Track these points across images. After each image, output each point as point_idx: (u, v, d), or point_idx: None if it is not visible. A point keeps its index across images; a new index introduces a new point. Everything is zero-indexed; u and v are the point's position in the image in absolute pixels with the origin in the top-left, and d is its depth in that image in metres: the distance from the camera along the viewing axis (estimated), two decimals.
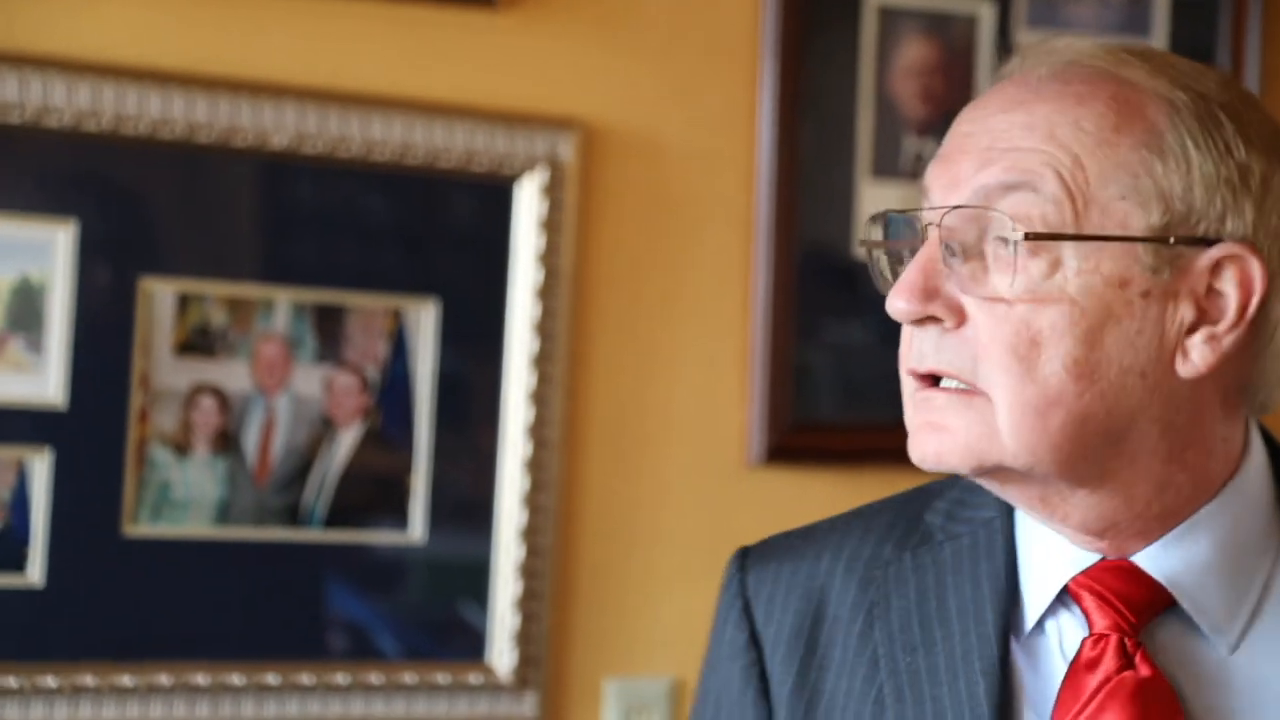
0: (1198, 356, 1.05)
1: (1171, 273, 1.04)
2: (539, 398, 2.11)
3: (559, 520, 2.13)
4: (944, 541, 1.16)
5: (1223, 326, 1.05)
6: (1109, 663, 1.08)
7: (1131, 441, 1.06)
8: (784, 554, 1.23)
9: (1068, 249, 1.04)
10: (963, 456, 1.07)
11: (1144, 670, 1.08)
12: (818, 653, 1.17)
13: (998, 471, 1.08)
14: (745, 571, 1.23)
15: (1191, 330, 1.05)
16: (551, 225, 2.11)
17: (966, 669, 1.11)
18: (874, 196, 2.19)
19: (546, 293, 2.11)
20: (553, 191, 2.11)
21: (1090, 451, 1.06)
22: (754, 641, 1.20)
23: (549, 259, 2.11)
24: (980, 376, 1.06)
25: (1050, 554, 1.13)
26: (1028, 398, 1.04)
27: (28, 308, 1.91)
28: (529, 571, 2.11)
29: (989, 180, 1.06)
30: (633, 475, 2.18)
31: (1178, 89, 1.06)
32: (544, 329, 2.11)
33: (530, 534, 2.11)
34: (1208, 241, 1.05)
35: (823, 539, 1.22)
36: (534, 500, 2.11)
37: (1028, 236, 1.03)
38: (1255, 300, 1.05)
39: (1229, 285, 1.06)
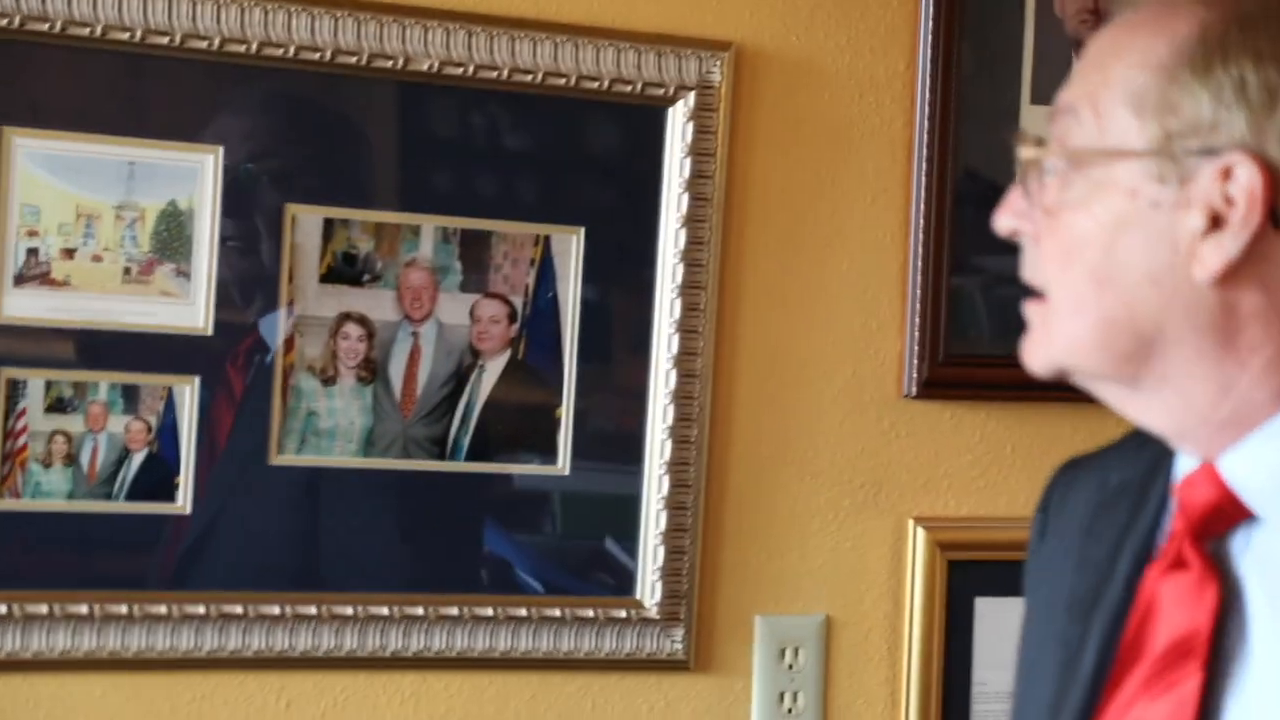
0: (1211, 260, 1.10)
1: (1179, 183, 1.11)
2: (687, 328, 2.10)
3: (708, 453, 2.12)
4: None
5: (1229, 232, 1.10)
6: (1164, 566, 1.16)
7: (1165, 345, 1.13)
8: (1080, 464, 1.35)
9: (1091, 164, 1.14)
10: (1040, 361, 1.19)
11: (1191, 571, 1.14)
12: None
13: (1070, 375, 1.19)
14: (1052, 481, 1.36)
15: (1206, 237, 1.11)
16: (702, 151, 2.09)
17: (1114, 591, 1.21)
18: (1038, 121, 2.15)
19: (696, 221, 2.10)
20: (703, 116, 2.09)
21: (1125, 354, 1.14)
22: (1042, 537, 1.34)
23: (699, 186, 2.10)
24: (1045, 285, 1.18)
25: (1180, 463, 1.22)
26: (1064, 302, 1.16)
27: (175, 234, 1.94)
28: (677, 505, 2.11)
29: (1056, 108, 1.19)
30: (783, 407, 2.17)
31: (1213, 7, 1.13)
32: (693, 258, 2.10)
33: (678, 467, 2.11)
34: (1213, 151, 1.10)
35: (1112, 453, 1.33)
36: (682, 433, 2.11)
37: (1060, 156, 1.15)
38: (1259, 204, 1.09)
39: (1238, 192, 1.10)
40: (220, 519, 1.96)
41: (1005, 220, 1.20)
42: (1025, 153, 1.18)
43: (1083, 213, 1.14)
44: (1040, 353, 1.18)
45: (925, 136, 2.17)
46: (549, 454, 2.08)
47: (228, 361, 1.96)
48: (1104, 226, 1.13)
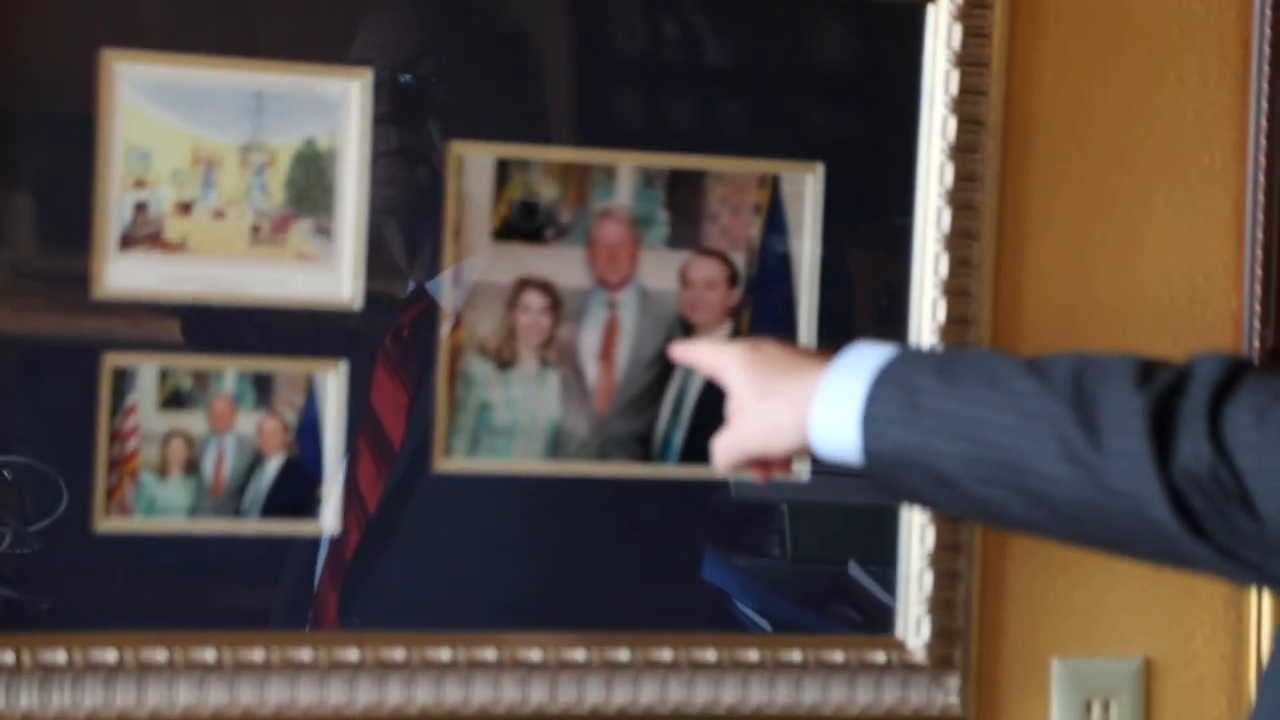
0: None
1: None
2: (956, 288, 2.06)
3: None
4: None
5: None
6: None
7: None
8: None
9: None
10: None
11: None
12: None
13: None
14: None
15: None
16: (972, 61, 2.04)
17: None
18: None
19: (966, 152, 2.05)
20: (974, 16, 2.04)
21: None
22: None
23: (969, 106, 2.05)
24: None
25: None
26: None
27: (314, 182, 1.89)
28: (948, 520, 2.05)
29: None
30: None
31: None
32: (963, 200, 2.06)
33: None
34: None
35: None
36: None
37: None
38: None
39: None
40: (374, 540, 1.94)
41: None
42: None
43: None
44: None
45: (1268, 30, 2.12)
46: None
47: (380, 342, 1.94)
48: None
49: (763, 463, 1.57)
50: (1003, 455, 1.35)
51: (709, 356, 1.61)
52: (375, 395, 1.93)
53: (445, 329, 1.92)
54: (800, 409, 1.48)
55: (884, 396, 1.41)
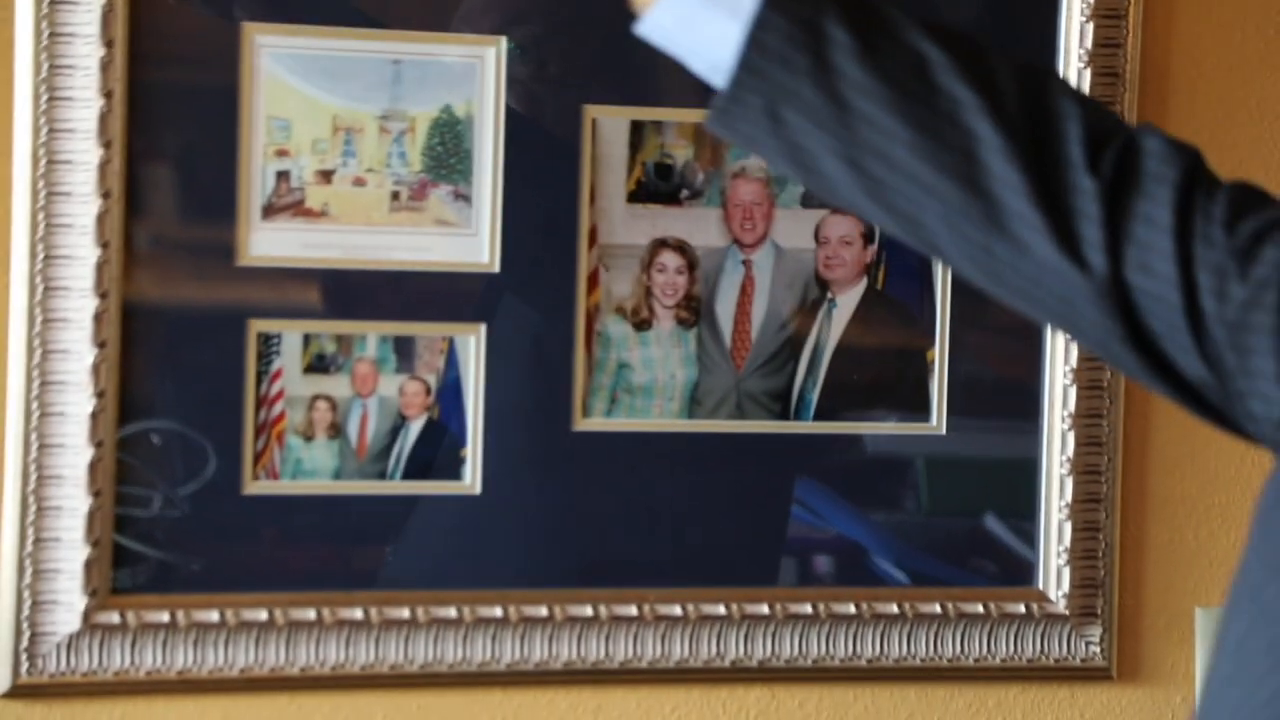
0: None
1: None
2: None
3: (1126, 404, 2.04)
4: None
5: None
6: None
7: None
8: None
9: None
10: None
11: None
12: None
13: None
14: None
15: None
16: (1108, 12, 2.00)
17: None
18: None
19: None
20: None
21: None
22: None
23: (1105, 59, 2.00)
24: None
25: None
26: None
27: (452, 149, 1.88)
28: (1087, 470, 2.03)
29: None
30: None
31: None
32: None
33: (1087, 421, 2.03)
34: None
35: None
36: (1090, 377, 2.03)
37: None
38: None
39: None
40: (514, 500, 1.93)
41: None
42: None
43: None
44: None
45: None
46: (919, 409, 2.01)
47: (518, 304, 1.92)
48: None
49: None
50: (900, 183, 1.12)
51: None
52: (510, 357, 1.91)
53: (582, 291, 1.91)
54: None
55: (779, 26, 1.12)
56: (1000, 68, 1.12)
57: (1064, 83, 1.14)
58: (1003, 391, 2.03)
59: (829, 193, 1.15)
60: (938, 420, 2.00)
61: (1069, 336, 1.14)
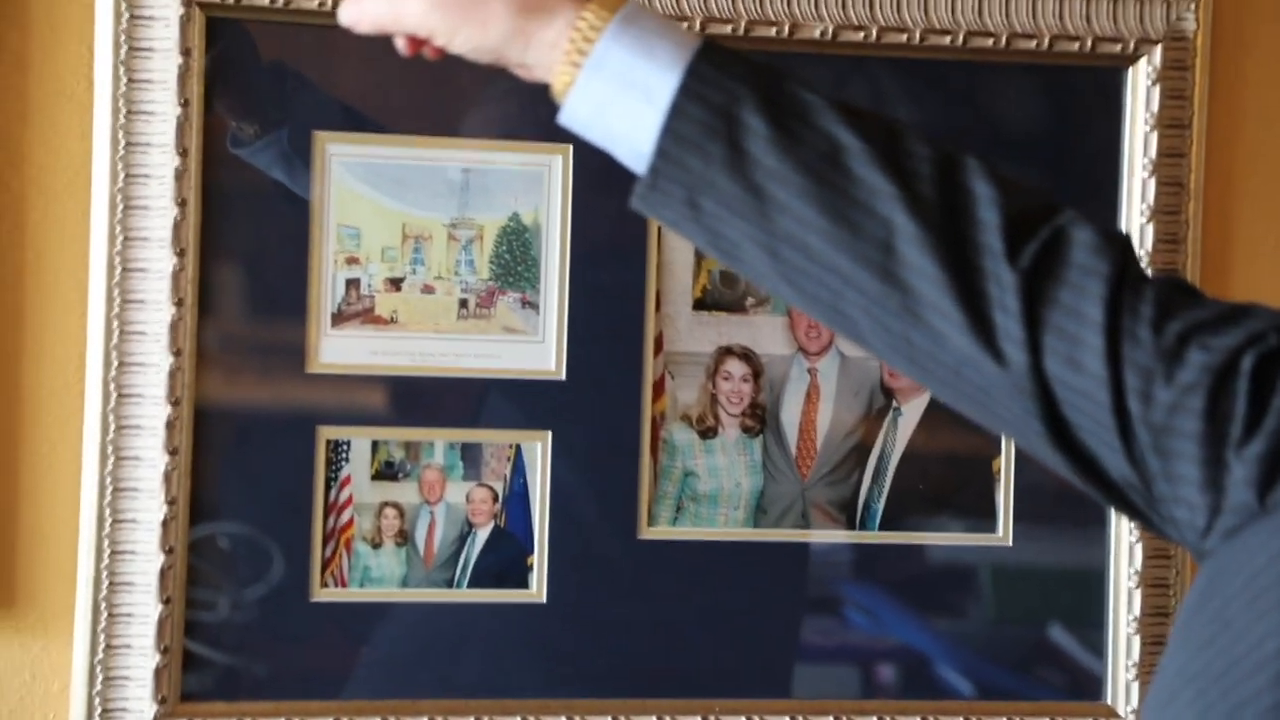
0: None
1: None
2: None
3: None
4: None
5: None
6: None
7: None
8: None
9: None
10: None
11: None
12: None
13: None
14: None
15: None
16: (1173, 123, 1.99)
17: None
18: None
19: (1167, 214, 1.99)
20: (1174, 77, 1.98)
21: None
22: None
23: (1170, 169, 1.98)
24: None
25: None
26: None
27: (519, 256, 1.88)
28: (1156, 583, 1.99)
29: None
30: None
31: None
32: (1164, 261, 1.98)
33: (1155, 534, 1.95)
34: None
35: None
36: None
37: None
38: None
39: None
40: (580, 608, 1.90)
41: None
42: None
43: None
44: None
45: None
46: (984, 517, 1.98)
47: (585, 410, 1.90)
48: None
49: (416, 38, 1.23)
50: (818, 272, 1.09)
51: None
52: (576, 465, 1.89)
53: (647, 399, 1.90)
54: (544, 41, 1.16)
55: (694, 115, 1.11)
56: (918, 151, 1.10)
57: (984, 165, 1.11)
58: (1069, 501, 1.96)
59: (752, 278, 1.14)
60: (1004, 530, 1.97)
61: (994, 429, 1.11)
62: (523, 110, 1.88)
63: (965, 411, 1.14)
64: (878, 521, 1.96)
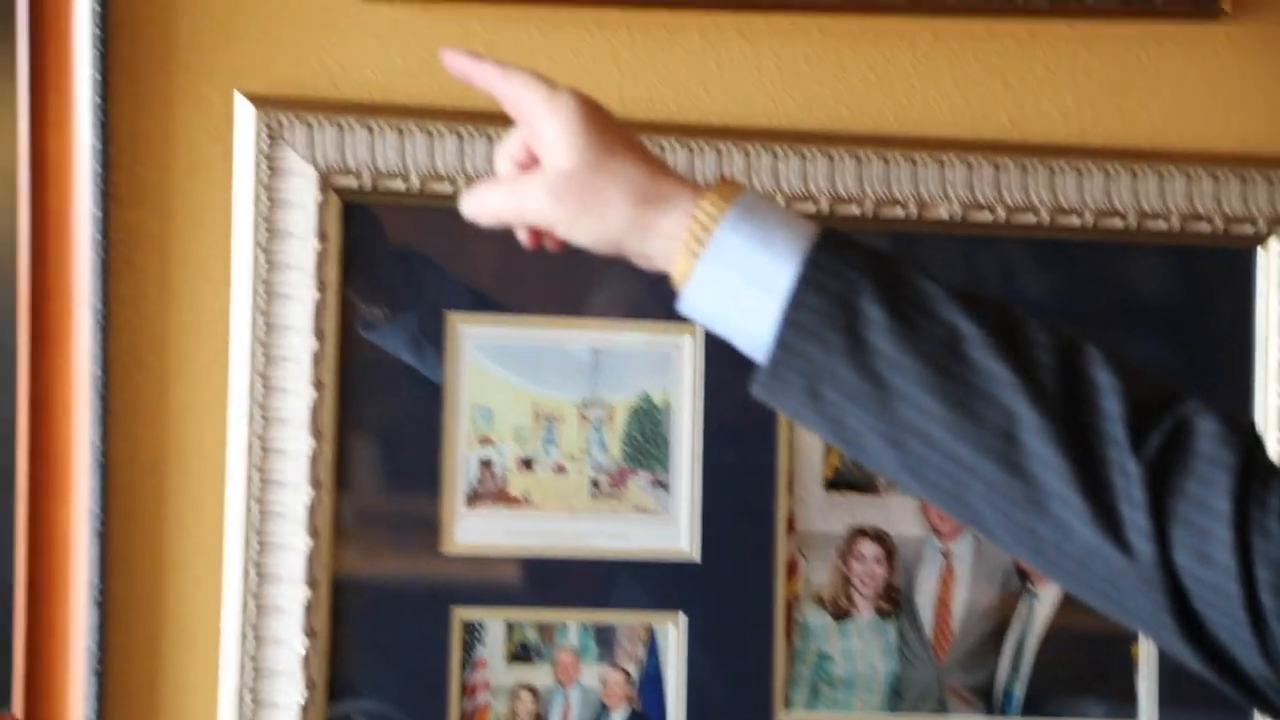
0: None
1: None
2: None
3: None
4: None
5: None
6: None
7: None
8: None
9: None
10: None
11: None
12: None
13: None
14: None
15: None
16: None
17: None
18: None
19: None
20: None
21: None
22: None
23: None
24: None
25: None
26: None
27: (650, 436, 1.88)
28: None
29: None
30: None
31: None
32: None
33: None
34: None
35: None
36: None
37: None
38: None
39: None
40: None
41: None
42: None
43: None
44: None
45: None
46: (1125, 701, 1.95)
47: (718, 592, 1.89)
48: None
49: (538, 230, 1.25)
50: (940, 462, 1.09)
51: (514, 100, 1.23)
52: (711, 647, 1.88)
53: (780, 581, 1.88)
54: (663, 231, 1.17)
55: (814, 305, 1.11)
56: (1038, 339, 1.09)
57: (1104, 354, 1.10)
58: (1213, 686, 1.97)
59: (874, 467, 1.13)
60: (1147, 714, 1.94)
61: (1124, 623, 1.08)
62: (650, 289, 1.89)
63: (1094, 604, 1.12)
64: (1018, 706, 1.93)
